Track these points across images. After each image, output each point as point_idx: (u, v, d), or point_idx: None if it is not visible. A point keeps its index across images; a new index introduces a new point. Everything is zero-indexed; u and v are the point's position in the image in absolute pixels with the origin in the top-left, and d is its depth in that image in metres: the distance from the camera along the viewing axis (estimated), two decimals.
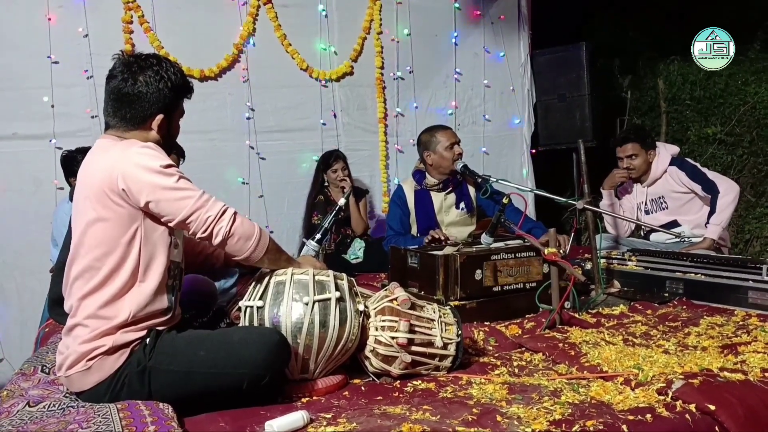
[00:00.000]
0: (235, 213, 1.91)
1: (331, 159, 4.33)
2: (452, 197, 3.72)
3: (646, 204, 4.05)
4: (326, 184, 4.36)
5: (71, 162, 3.49)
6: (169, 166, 1.85)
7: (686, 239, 3.72)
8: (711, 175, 3.83)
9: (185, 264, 2.10)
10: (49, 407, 1.81)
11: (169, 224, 1.87)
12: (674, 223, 3.94)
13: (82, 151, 3.47)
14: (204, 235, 1.86)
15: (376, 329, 2.07)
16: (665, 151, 3.98)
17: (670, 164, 3.92)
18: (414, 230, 3.74)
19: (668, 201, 3.96)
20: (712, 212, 3.71)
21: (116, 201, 1.82)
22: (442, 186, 3.69)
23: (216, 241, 1.88)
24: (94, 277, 1.84)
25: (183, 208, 1.83)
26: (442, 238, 3.33)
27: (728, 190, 3.72)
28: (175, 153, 3.13)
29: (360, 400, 1.92)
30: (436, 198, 3.71)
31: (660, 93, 5.87)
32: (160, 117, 1.95)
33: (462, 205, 3.72)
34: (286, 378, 1.96)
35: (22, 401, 1.86)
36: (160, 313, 1.91)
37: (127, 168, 1.80)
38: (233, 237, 1.89)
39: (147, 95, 1.92)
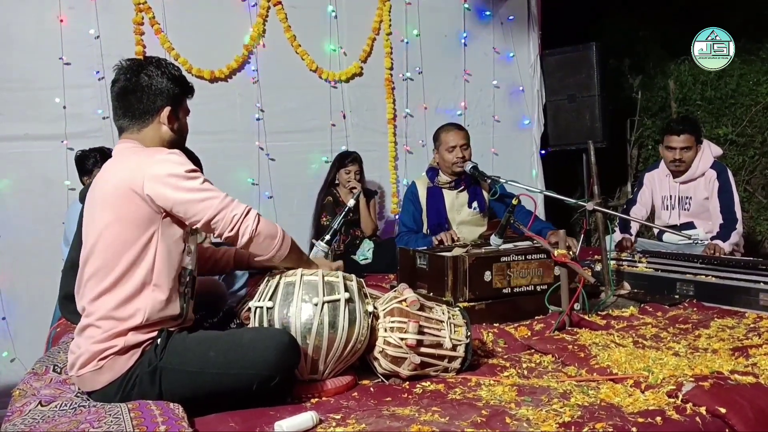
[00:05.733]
0: (258, 214, 1.94)
1: (347, 159, 4.32)
2: (464, 196, 3.71)
3: (671, 199, 3.97)
4: (336, 182, 4.37)
5: (84, 161, 3.51)
6: (193, 170, 1.89)
7: (699, 242, 3.69)
8: (737, 207, 3.75)
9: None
10: (60, 407, 1.82)
11: (196, 225, 1.89)
12: (690, 225, 3.90)
13: (97, 151, 3.50)
14: (231, 234, 1.89)
15: (385, 330, 2.07)
16: (709, 151, 3.86)
17: (711, 167, 3.82)
18: (425, 228, 3.74)
19: (692, 204, 3.89)
20: (721, 238, 3.66)
21: (137, 203, 1.84)
22: (454, 184, 3.69)
23: (243, 240, 1.90)
24: (108, 276, 1.85)
25: (209, 208, 1.86)
26: (449, 243, 3.32)
27: (740, 230, 3.70)
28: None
29: (369, 401, 1.92)
30: (448, 196, 3.71)
31: (671, 93, 5.83)
32: (167, 109, 1.98)
33: (474, 204, 3.71)
34: (295, 379, 1.97)
35: (34, 400, 1.87)
36: (171, 319, 1.93)
37: (154, 174, 1.84)
38: (260, 236, 1.93)
39: (151, 87, 1.97)
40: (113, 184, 1.88)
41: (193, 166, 1.90)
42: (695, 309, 2.86)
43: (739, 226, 3.71)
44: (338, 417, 1.77)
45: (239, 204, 1.92)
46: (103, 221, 1.88)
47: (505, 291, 2.85)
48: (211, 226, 1.89)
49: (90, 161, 3.47)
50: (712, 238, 3.69)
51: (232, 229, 1.89)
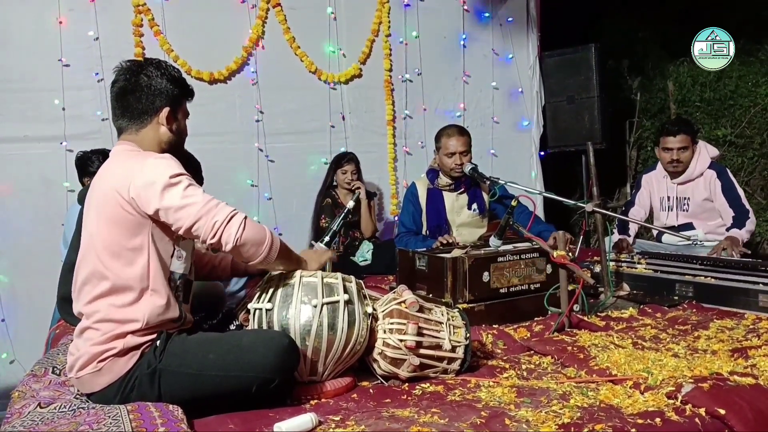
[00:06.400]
0: (245, 218, 1.88)
1: (343, 160, 4.34)
2: (464, 198, 3.71)
3: (669, 200, 3.97)
4: (334, 184, 4.37)
5: (86, 162, 3.51)
6: (179, 174, 1.85)
7: (698, 243, 3.69)
8: (744, 200, 3.75)
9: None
10: (60, 408, 1.82)
11: (179, 232, 1.86)
12: (689, 226, 3.90)
13: (98, 152, 3.50)
14: (213, 241, 1.84)
15: (385, 332, 2.07)
16: (706, 152, 3.87)
17: (709, 167, 3.82)
18: (424, 229, 3.74)
19: (691, 205, 3.88)
20: (737, 227, 3.65)
21: (126, 208, 1.83)
22: (454, 186, 3.69)
23: (227, 248, 1.85)
24: (102, 281, 1.85)
25: (188, 216, 1.82)
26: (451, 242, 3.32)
27: (753, 219, 3.71)
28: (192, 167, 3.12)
29: (368, 403, 1.92)
30: (448, 198, 3.71)
31: (670, 95, 5.84)
32: (166, 110, 1.97)
33: (474, 206, 3.71)
34: (295, 380, 1.97)
35: (33, 402, 1.87)
36: (171, 321, 1.93)
37: (139, 177, 1.82)
38: (245, 244, 1.87)
39: (150, 87, 1.95)
40: (106, 187, 1.87)
41: (179, 171, 1.86)
42: (694, 310, 2.86)
43: (752, 215, 3.72)
44: (337, 418, 1.77)
45: (223, 209, 1.85)
46: (97, 224, 1.87)
47: (504, 292, 2.85)
48: (193, 234, 1.85)
49: (95, 164, 3.46)
50: (727, 230, 3.68)
51: (213, 236, 1.83)
